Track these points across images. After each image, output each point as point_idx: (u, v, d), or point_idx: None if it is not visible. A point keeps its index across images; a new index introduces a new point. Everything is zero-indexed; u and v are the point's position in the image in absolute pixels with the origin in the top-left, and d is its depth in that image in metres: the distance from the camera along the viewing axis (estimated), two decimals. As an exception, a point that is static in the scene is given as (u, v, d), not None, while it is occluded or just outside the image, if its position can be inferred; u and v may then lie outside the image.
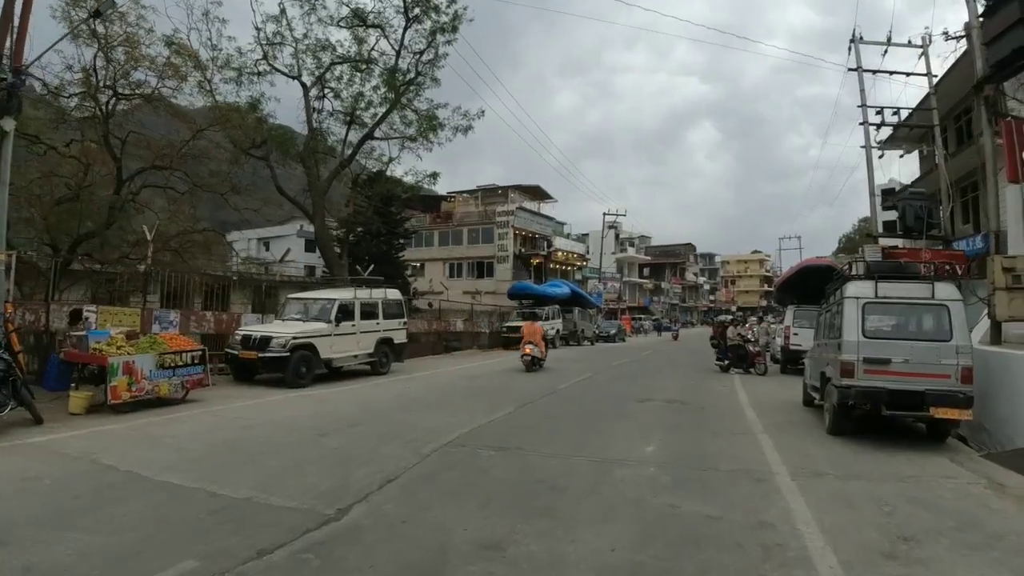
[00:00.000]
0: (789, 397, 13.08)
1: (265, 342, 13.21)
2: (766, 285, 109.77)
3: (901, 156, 30.20)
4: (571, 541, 4.52)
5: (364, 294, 15.87)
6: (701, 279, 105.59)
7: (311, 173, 23.59)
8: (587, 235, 66.74)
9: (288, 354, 13.10)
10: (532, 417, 10.05)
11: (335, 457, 7.04)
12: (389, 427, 8.96)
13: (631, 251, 77.03)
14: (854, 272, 9.34)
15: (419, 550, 4.33)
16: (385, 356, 16.40)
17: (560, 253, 54.57)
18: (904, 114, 19.56)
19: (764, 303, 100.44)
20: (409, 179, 24.90)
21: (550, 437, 8.48)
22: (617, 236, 71.86)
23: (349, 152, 24.46)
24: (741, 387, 15.00)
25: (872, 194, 18.90)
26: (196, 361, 10.90)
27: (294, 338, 13.36)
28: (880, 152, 20.44)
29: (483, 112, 24.67)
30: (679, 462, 7.11)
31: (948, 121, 20.49)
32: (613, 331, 43.29)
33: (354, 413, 10.11)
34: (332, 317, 14.58)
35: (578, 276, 57.74)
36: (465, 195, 57.06)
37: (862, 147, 18.87)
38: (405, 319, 17.54)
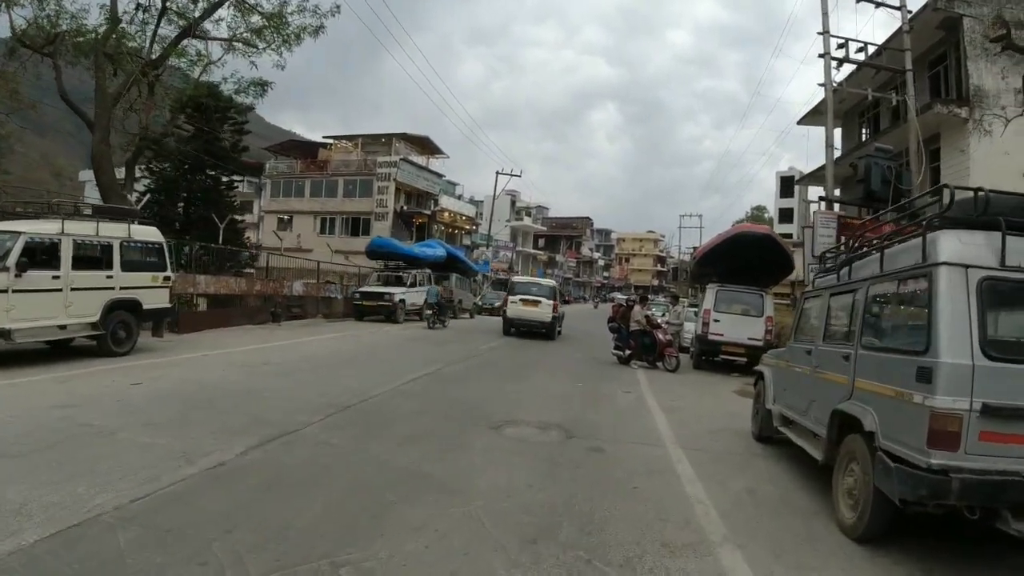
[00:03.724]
0: (725, 417, 8.62)
1: None
2: (659, 265, 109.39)
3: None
4: None
5: (84, 228, 9.99)
6: (596, 255, 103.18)
7: (100, 74, 17.07)
8: (482, 202, 61.54)
9: None
10: (222, 499, 4.82)
11: None
12: None
13: (527, 220, 72.76)
14: (937, 209, 4.44)
15: None
16: (124, 328, 10.63)
17: (447, 214, 49.18)
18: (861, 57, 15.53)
19: (656, 282, 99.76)
20: (229, 87, 18.78)
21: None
22: (513, 203, 67.51)
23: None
24: (651, 394, 10.45)
25: (829, 145, 14.78)
26: None
27: None
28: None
29: (339, 8, 18.76)
30: None
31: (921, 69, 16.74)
32: (498, 303, 38.54)
33: None
34: (12, 261, 8.72)
35: (467, 241, 52.67)
36: (345, 142, 50.21)
37: (820, 84, 14.67)
38: (169, 272, 11.72)
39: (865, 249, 5.50)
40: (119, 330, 10.59)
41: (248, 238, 29.51)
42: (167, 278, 11.60)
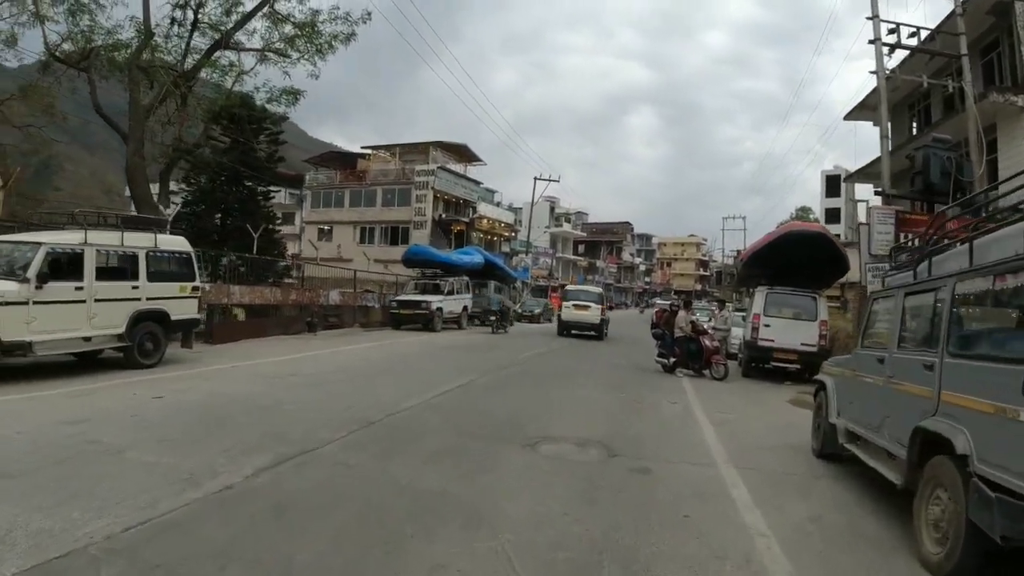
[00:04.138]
0: (780, 430, 7.92)
1: None
2: (702, 269, 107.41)
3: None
4: None
5: (108, 238, 9.80)
6: (637, 260, 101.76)
7: (134, 87, 17.19)
8: (520, 209, 61.03)
9: None
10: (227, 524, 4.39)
11: None
12: None
13: (567, 227, 72.12)
14: None
15: None
16: (151, 339, 10.41)
17: (485, 221, 48.83)
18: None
19: (699, 287, 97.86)
20: (261, 96, 18.72)
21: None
22: (552, 210, 66.92)
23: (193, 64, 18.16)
24: (698, 404, 9.78)
25: (884, 136, 13.89)
26: None
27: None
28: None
29: (370, 15, 18.62)
30: None
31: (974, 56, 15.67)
32: (538, 310, 38.07)
33: None
34: (33, 273, 8.54)
35: (506, 248, 52.25)
36: (383, 152, 50.36)
37: (872, 72, 13.80)
38: (197, 282, 11.49)
39: (947, 241, 4.81)
40: (146, 342, 10.37)
41: (284, 247, 29.53)
42: (196, 288, 11.37)
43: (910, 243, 5.98)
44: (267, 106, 19.71)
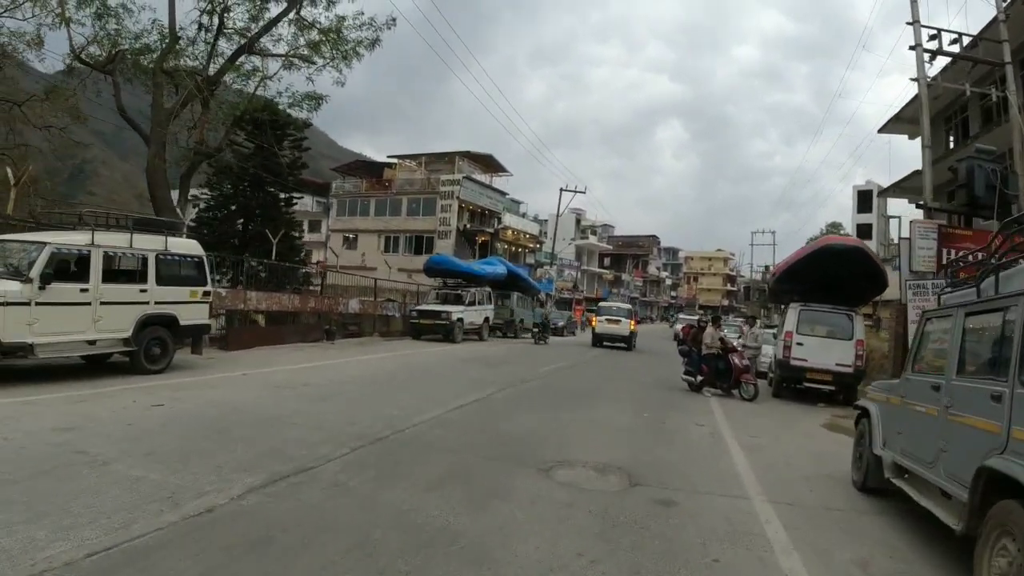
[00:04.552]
0: (816, 458, 7.36)
1: None
2: (729, 284, 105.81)
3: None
4: None
5: (117, 240, 9.55)
6: (664, 274, 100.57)
7: (157, 90, 17.19)
8: (546, 220, 60.54)
9: None
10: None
11: None
12: None
13: (592, 239, 71.45)
14: None
15: None
16: (159, 344, 10.14)
17: (510, 232, 48.52)
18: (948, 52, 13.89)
19: (726, 303, 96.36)
20: (284, 101, 18.55)
21: None
22: (578, 222, 66.41)
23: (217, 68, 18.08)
24: (727, 427, 9.21)
25: (925, 145, 13.20)
26: None
27: None
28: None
29: (394, 20, 18.39)
30: None
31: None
32: (561, 323, 37.49)
33: None
34: (36, 273, 8.31)
35: (530, 260, 51.83)
36: (409, 161, 50.33)
37: (912, 79, 13.15)
38: (208, 287, 11.21)
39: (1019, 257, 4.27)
40: (153, 346, 10.11)
41: (307, 254, 29.41)
42: (207, 293, 11.08)
43: (970, 257, 5.42)
44: (290, 111, 19.55)
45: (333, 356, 14.68)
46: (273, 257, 18.87)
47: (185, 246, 11.00)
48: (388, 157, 51.95)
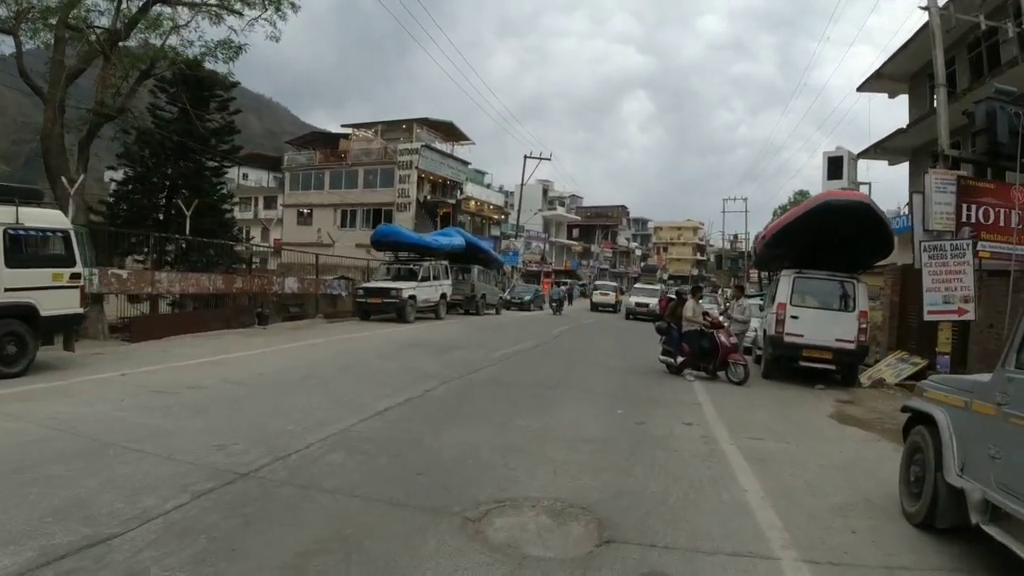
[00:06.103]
0: (842, 472, 5.63)
1: None
2: (699, 254, 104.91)
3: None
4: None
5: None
6: (633, 244, 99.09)
7: (59, 45, 14.82)
8: (512, 192, 58.12)
9: None
10: None
11: None
12: None
13: (560, 210, 69.39)
14: None
15: None
16: (15, 340, 8.03)
17: (473, 203, 46.36)
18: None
19: (695, 272, 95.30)
20: (195, 51, 16.18)
21: None
22: (545, 193, 64.36)
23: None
24: (720, 425, 7.42)
25: (937, 84, 11.38)
26: None
27: None
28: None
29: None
30: None
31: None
32: (528, 297, 35.74)
33: None
34: None
35: (496, 232, 49.76)
36: (364, 130, 47.61)
37: (922, 8, 11.31)
38: (78, 269, 9.04)
39: None
40: (7, 344, 8.01)
41: (241, 231, 26.92)
42: (75, 275, 8.92)
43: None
44: (204, 62, 17.13)
45: (254, 345, 12.53)
46: (186, 232, 16.51)
47: (45, 218, 8.83)
48: (342, 127, 49.16)
